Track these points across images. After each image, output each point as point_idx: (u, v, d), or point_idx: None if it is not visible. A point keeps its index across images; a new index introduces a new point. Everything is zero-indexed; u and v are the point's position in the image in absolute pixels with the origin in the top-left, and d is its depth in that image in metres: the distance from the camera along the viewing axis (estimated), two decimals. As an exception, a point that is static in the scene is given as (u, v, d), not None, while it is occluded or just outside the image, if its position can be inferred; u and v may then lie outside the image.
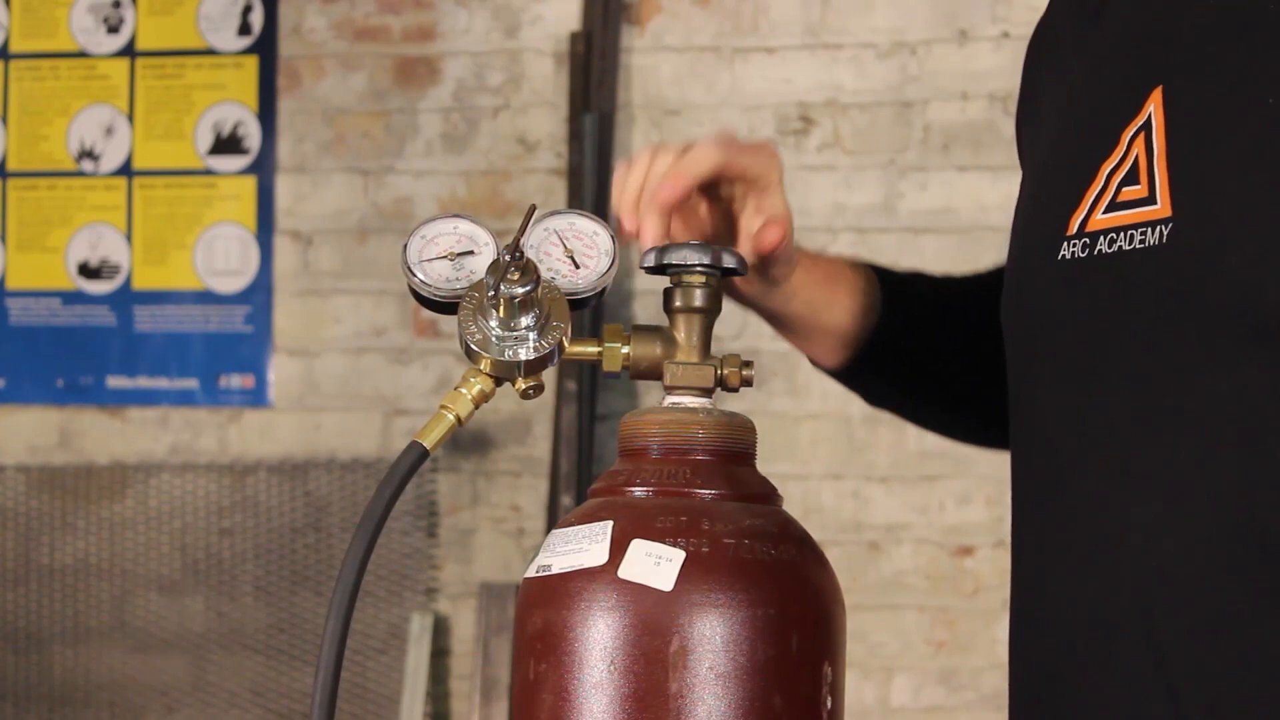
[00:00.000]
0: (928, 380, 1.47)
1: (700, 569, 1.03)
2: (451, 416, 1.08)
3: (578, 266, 1.12)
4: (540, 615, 1.05)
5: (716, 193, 1.29)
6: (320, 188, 4.25)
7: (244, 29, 4.28)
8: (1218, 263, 1.13)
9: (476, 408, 1.10)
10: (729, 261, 1.12)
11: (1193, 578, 1.14)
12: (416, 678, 4.03)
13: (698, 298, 1.12)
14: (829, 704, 1.05)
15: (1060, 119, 1.29)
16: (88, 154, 4.31)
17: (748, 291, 1.34)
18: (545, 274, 1.11)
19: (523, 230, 1.08)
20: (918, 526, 3.99)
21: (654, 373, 1.13)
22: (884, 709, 3.99)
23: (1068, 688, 1.20)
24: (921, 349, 1.44)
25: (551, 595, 1.04)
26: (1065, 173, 1.24)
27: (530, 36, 4.19)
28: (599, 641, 1.02)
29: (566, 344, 1.10)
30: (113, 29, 4.32)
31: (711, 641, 1.02)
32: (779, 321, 1.40)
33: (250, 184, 4.26)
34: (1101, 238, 1.20)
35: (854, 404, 4.02)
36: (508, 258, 1.06)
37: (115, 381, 4.29)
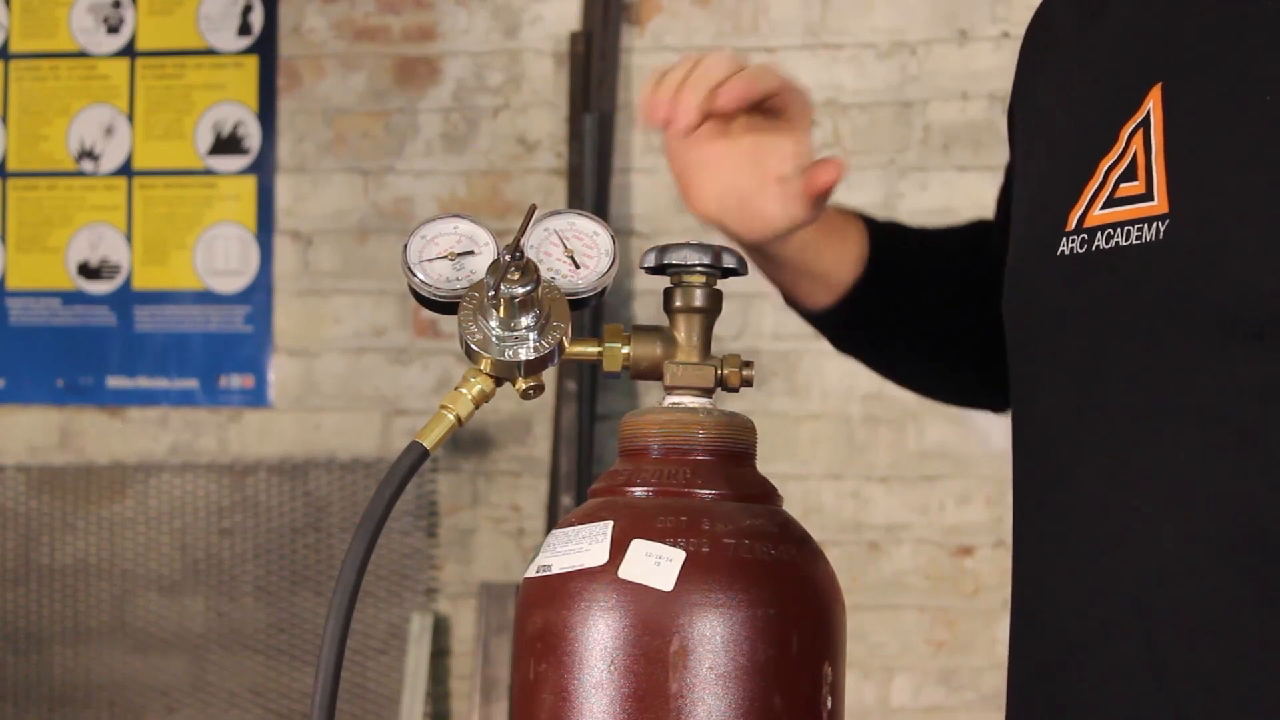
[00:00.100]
0: (901, 331, 1.45)
1: (700, 569, 1.03)
2: (451, 416, 1.08)
3: (578, 266, 1.12)
4: (540, 615, 1.05)
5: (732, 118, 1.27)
6: (320, 188, 4.25)
7: (244, 29, 4.28)
8: (1214, 260, 1.13)
9: (476, 408, 1.10)
10: (729, 261, 1.12)
11: (1190, 575, 1.14)
12: (416, 678, 4.03)
13: (698, 298, 1.12)
14: (829, 704, 1.05)
15: (1060, 116, 1.29)
16: (88, 154, 4.31)
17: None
18: (545, 274, 1.11)
19: (523, 230, 1.08)
20: (918, 526, 3.99)
21: (654, 373, 1.13)
22: (884, 709, 3.99)
23: (1065, 683, 1.21)
24: (901, 301, 1.42)
25: (552, 595, 1.04)
26: (1065, 169, 1.25)
27: (530, 36, 4.19)
28: (599, 641, 1.02)
29: (566, 344, 1.10)
30: (113, 29, 4.32)
31: (711, 641, 1.02)
32: (772, 261, 1.38)
33: (250, 184, 4.26)
34: (1099, 234, 1.20)
35: (854, 404, 4.02)
36: (508, 258, 1.06)
37: (115, 381, 4.29)
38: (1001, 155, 1.45)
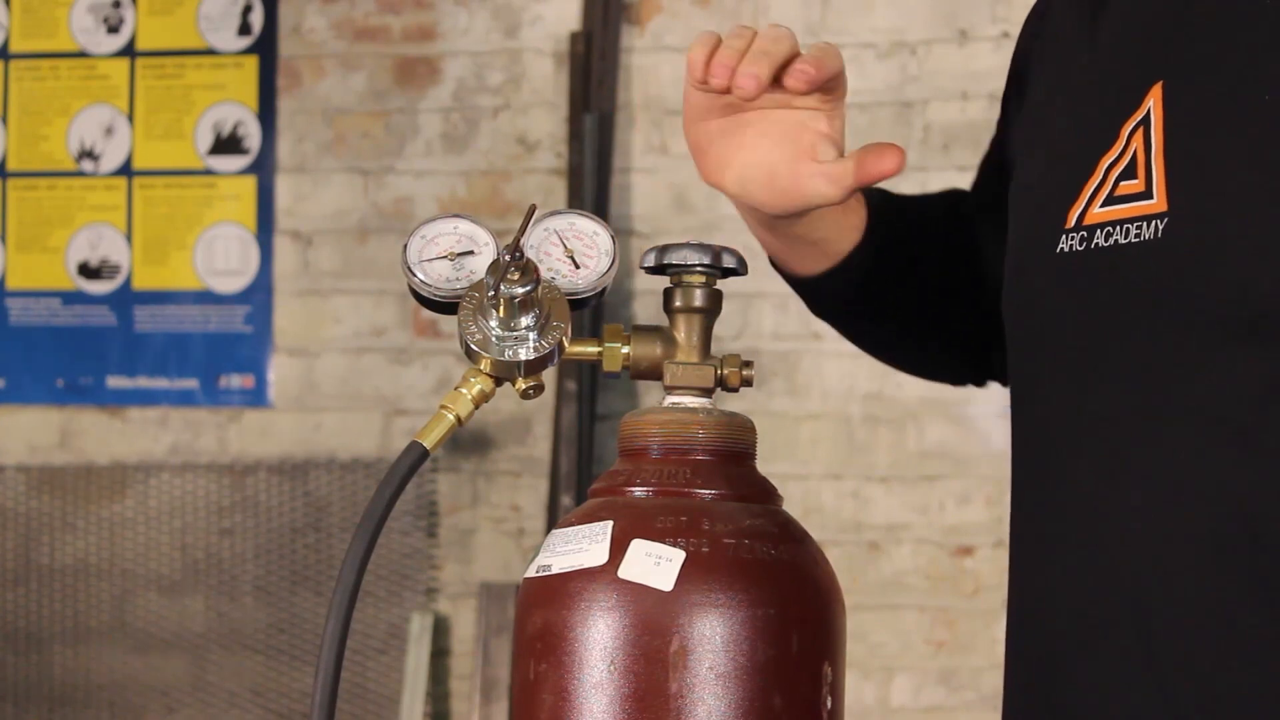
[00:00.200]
0: (885, 301, 1.42)
1: (700, 569, 1.03)
2: (451, 416, 1.08)
3: (578, 266, 1.12)
4: (540, 615, 1.05)
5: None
6: (320, 188, 4.25)
7: (244, 29, 4.28)
8: (1212, 259, 1.14)
9: (476, 408, 1.10)
10: (729, 261, 1.12)
11: (1184, 571, 1.14)
12: (416, 678, 4.03)
13: (698, 298, 1.12)
14: (829, 704, 1.05)
15: (1060, 113, 1.29)
16: (88, 154, 4.31)
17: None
18: (545, 274, 1.11)
19: (523, 230, 1.08)
20: (918, 526, 3.99)
21: (654, 373, 1.13)
22: (884, 709, 3.99)
23: (1062, 682, 1.21)
24: (891, 271, 1.39)
25: (552, 595, 1.04)
26: (1065, 166, 1.25)
27: (530, 36, 4.19)
28: (599, 641, 1.02)
29: (566, 344, 1.10)
30: (113, 29, 4.32)
31: (711, 641, 1.02)
32: (773, 228, 1.34)
33: (250, 184, 4.26)
34: (1098, 231, 1.20)
35: (854, 404, 4.03)
36: (508, 258, 1.06)
37: (115, 381, 4.29)
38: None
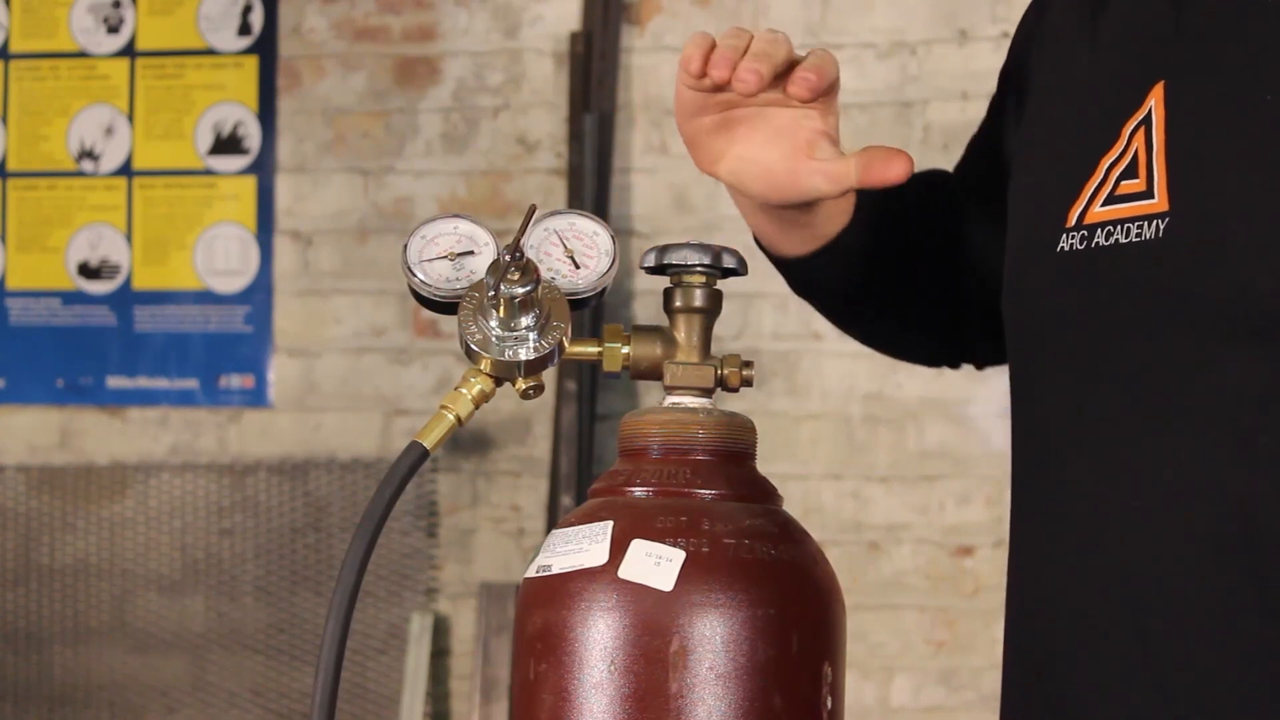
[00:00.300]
0: (868, 283, 1.40)
1: (700, 569, 1.03)
2: (451, 416, 1.08)
3: (578, 266, 1.12)
4: (540, 615, 1.05)
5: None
6: (320, 188, 4.25)
7: (244, 29, 4.28)
8: (1213, 259, 1.14)
9: (476, 408, 1.09)
10: (729, 261, 1.12)
11: (1186, 573, 1.14)
12: (416, 678, 4.03)
13: (698, 298, 1.12)
14: (829, 704, 1.05)
15: (1062, 112, 1.29)
16: (88, 154, 4.31)
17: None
18: (545, 274, 1.11)
19: (523, 230, 1.08)
20: (918, 526, 3.99)
21: (654, 373, 1.13)
22: (884, 709, 3.99)
23: (1057, 677, 1.21)
24: (876, 255, 1.38)
25: (552, 595, 1.04)
26: (1066, 165, 1.25)
27: (530, 36, 4.19)
28: (599, 641, 1.02)
29: (566, 344, 1.10)
30: (113, 29, 4.32)
31: (711, 641, 1.02)
32: (764, 212, 1.33)
33: (250, 184, 4.26)
34: (1099, 230, 1.20)
35: (854, 404, 4.03)
36: (508, 258, 1.06)
37: (115, 381, 4.29)
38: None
